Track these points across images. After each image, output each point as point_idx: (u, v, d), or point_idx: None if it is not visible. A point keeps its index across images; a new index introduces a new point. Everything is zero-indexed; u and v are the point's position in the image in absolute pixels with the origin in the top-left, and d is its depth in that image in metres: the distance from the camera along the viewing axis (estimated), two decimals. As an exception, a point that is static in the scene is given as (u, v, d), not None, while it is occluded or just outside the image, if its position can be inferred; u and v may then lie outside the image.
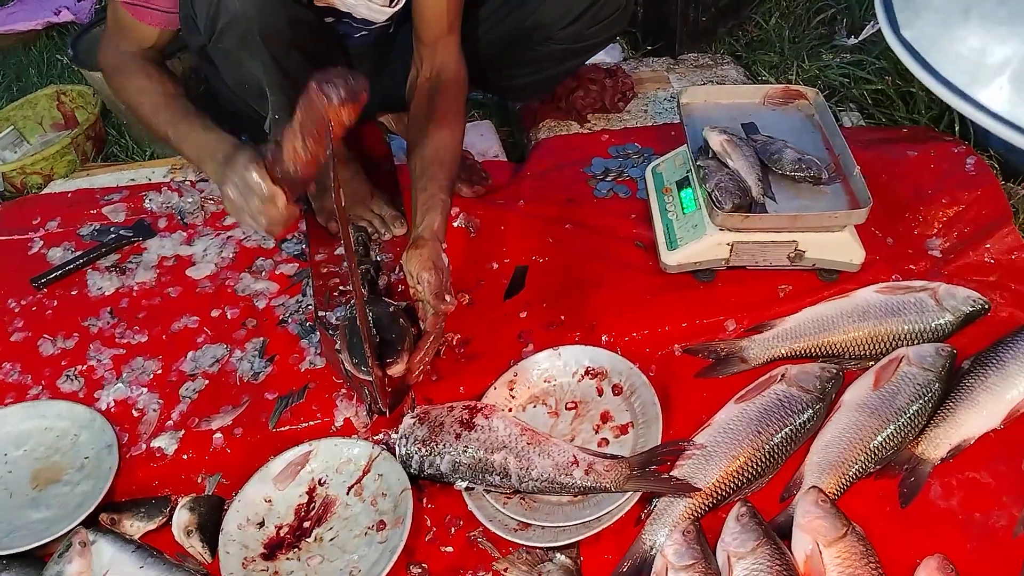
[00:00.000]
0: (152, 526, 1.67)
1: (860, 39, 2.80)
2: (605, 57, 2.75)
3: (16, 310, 2.14)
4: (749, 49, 2.93)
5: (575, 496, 1.62)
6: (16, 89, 3.19)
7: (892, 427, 1.62)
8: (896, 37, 1.95)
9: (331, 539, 1.63)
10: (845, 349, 1.80)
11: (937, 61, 1.85)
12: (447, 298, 1.69)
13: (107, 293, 2.16)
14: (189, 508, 1.66)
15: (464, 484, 1.63)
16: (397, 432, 1.71)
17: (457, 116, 1.92)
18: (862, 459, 1.60)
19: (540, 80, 2.28)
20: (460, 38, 1.94)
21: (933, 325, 1.80)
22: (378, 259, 2.00)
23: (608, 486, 1.58)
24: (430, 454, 1.64)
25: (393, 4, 1.84)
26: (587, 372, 1.82)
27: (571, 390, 1.81)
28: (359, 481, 1.70)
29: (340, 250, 1.99)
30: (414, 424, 1.69)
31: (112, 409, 1.88)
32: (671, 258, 1.94)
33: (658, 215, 2.02)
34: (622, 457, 1.62)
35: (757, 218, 1.82)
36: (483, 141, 2.56)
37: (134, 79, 1.84)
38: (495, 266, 2.11)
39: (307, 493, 1.70)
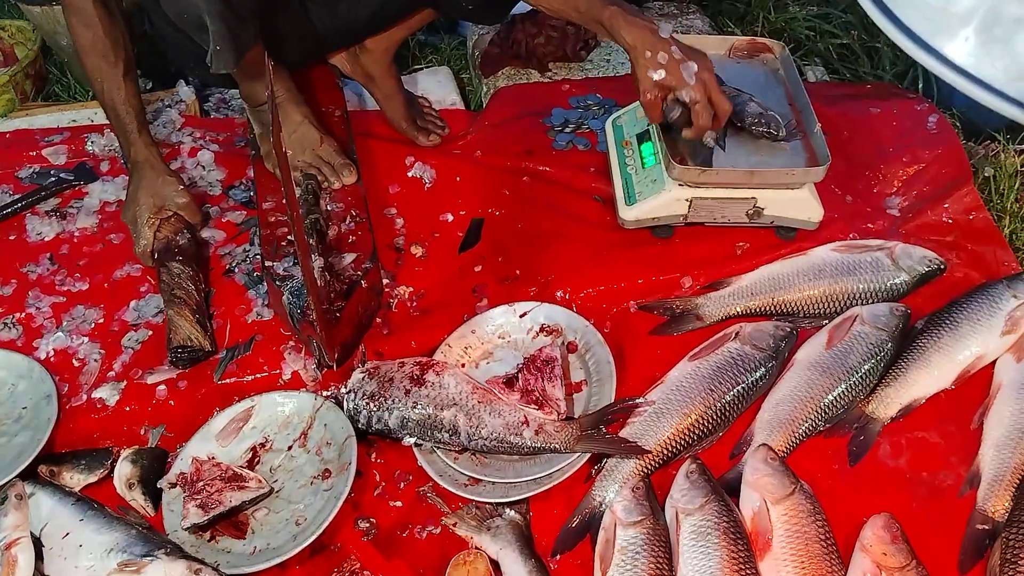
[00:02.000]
0: (93, 478, 1.64)
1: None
2: (568, 3, 2.68)
3: (-48, 255, 2.06)
4: (715, -1, 2.88)
5: (525, 455, 1.60)
6: (-48, 23, 3.04)
7: (843, 386, 1.63)
8: None
9: (277, 491, 1.61)
10: (800, 307, 1.80)
11: (901, 10, 1.80)
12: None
13: (47, 238, 2.08)
14: (131, 460, 1.64)
15: (412, 440, 1.61)
16: (346, 386, 1.68)
17: None
18: (812, 417, 1.61)
19: None
20: None
21: (888, 285, 1.80)
22: (328, 208, 1.95)
23: (558, 447, 1.57)
24: (378, 409, 1.62)
25: None
26: (542, 329, 1.80)
27: (525, 347, 1.78)
28: (304, 434, 1.68)
29: (289, 198, 1.93)
30: (363, 379, 1.66)
31: (52, 359, 1.82)
32: (629, 213, 1.91)
33: (617, 169, 1.99)
34: (572, 418, 1.60)
35: (714, 172, 1.79)
36: (440, 88, 2.50)
37: (83, 29, 1.80)
38: (450, 218, 2.07)
39: (250, 450, 1.68)
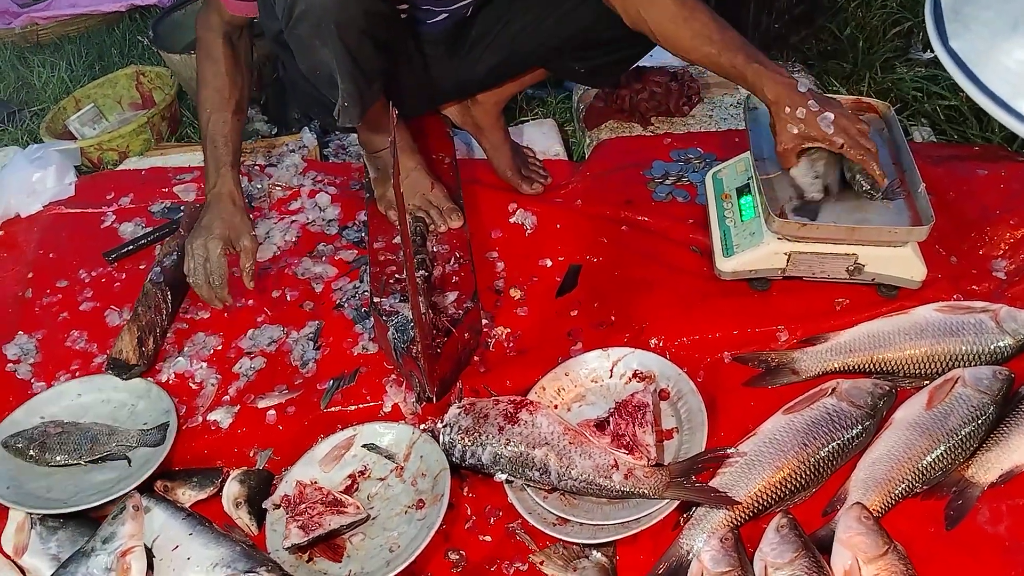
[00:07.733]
0: (203, 496, 1.73)
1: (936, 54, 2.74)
2: (672, 60, 2.74)
3: (87, 281, 2.23)
4: (821, 58, 2.89)
5: (614, 499, 1.62)
6: (98, 68, 3.31)
7: (942, 448, 1.59)
8: (944, 48, 1.92)
9: (373, 517, 1.67)
10: (900, 366, 1.77)
11: (983, 73, 1.81)
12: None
13: (174, 269, 2.23)
14: (239, 481, 1.72)
15: (504, 476, 1.65)
16: (442, 420, 1.73)
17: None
18: (909, 478, 1.57)
19: (613, 62, 2.19)
20: None
21: (992, 347, 1.76)
22: (434, 250, 2.03)
23: (647, 492, 1.58)
24: (472, 444, 1.66)
25: None
26: (635, 375, 1.82)
27: (617, 392, 1.81)
28: (401, 465, 1.74)
29: (398, 239, 2.02)
30: (459, 414, 1.71)
31: (172, 381, 1.95)
32: (726, 265, 1.92)
33: (716, 221, 2.01)
34: (662, 464, 1.62)
35: (815, 227, 1.79)
36: (545, 139, 2.58)
37: (208, 63, 1.95)
38: (549, 263, 2.12)
39: (350, 476, 1.74)
